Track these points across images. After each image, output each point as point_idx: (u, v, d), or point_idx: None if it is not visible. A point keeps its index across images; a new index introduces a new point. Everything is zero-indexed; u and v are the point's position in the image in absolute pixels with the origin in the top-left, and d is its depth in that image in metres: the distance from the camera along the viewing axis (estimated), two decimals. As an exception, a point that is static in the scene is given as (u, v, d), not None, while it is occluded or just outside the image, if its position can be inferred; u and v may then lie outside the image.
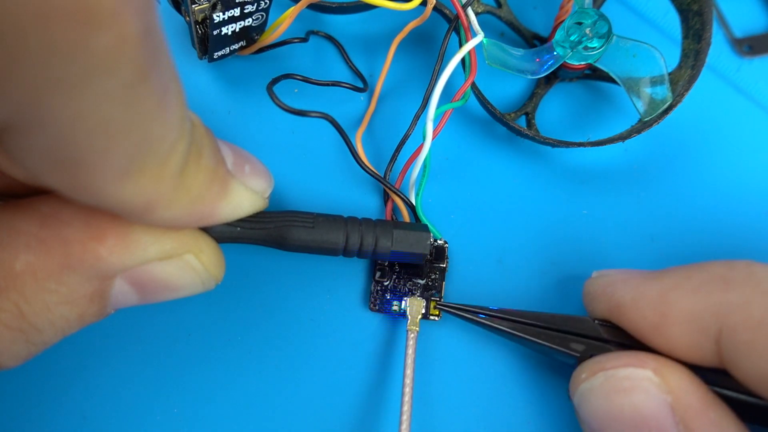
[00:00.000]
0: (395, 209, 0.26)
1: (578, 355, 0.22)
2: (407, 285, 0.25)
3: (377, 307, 0.25)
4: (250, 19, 0.25)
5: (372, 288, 0.25)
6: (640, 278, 0.21)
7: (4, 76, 0.11)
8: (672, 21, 0.29)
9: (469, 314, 0.24)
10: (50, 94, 0.11)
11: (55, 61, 0.11)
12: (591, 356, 0.21)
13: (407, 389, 0.23)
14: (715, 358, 0.19)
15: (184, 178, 0.16)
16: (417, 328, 0.24)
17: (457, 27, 0.26)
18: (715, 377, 0.19)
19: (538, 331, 0.22)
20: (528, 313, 0.23)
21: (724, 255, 0.27)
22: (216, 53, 0.25)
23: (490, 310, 0.23)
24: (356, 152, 0.25)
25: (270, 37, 0.26)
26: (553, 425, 0.25)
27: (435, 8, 0.26)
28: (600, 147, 0.26)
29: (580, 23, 0.25)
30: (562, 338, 0.22)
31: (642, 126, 0.26)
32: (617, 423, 0.19)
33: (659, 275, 0.21)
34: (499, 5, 0.29)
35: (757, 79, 0.30)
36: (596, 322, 0.22)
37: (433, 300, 0.25)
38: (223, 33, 0.24)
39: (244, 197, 0.19)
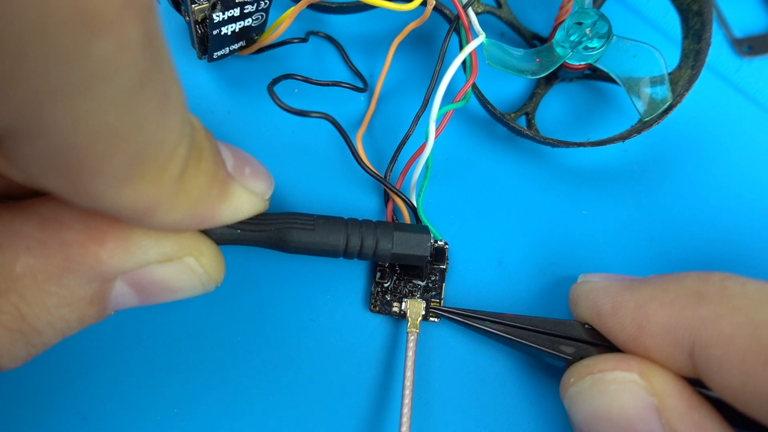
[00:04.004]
0: (396, 210, 0.26)
1: (568, 357, 0.22)
2: (407, 286, 0.25)
3: (377, 309, 0.25)
4: (249, 19, 0.24)
5: (372, 289, 0.25)
6: (620, 287, 0.21)
7: (5, 82, 0.11)
8: (672, 21, 0.29)
9: (460, 318, 0.24)
10: (51, 101, 0.11)
11: (56, 67, 0.11)
12: (580, 359, 0.22)
13: (407, 391, 0.23)
14: (690, 370, 0.19)
15: (184, 182, 0.16)
16: (417, 330, 0.24)
17: (457, 27, 0.26)
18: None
19: (528, 334, 0.23)
20: (520, 317, 0.23)
21: (723, 256, 0.27)
22: (216, 53, 0.25)
23: (483, 313, 0.24)
24: (357, 152, 0.25)
25: (270, 37, 0.26)
26: (553, 426, 0.25)
27: (435, 9, 0.26)
28: (600, 147, 0.26)
29: (580, 23, 0.25)
30: (553, 341, 0.22)
31: (642, 126, 0.26)
32: (605, 424, 0.20)
33: (638, 285, 0.21)
34: (499, 5, 0.29)
35: (757, 79, 0.30)
36: (585, 326, 0.23)
37: (434, 301, 0.25)
38: (222, 33, 0.24)
39: (245, 199, 0.19)
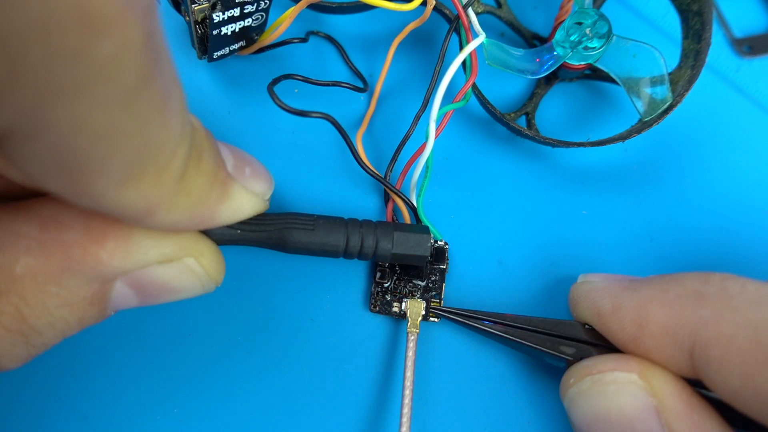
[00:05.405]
0: (396, 210, 0.26)
1: (568, 358, 0.22)
2: (407, 286, 0.25)
3: (377, 309, 0.25)
4: (249, 19, 0.24)
5: (372, 289, 0.25)
6: (620, 287, 0.21)
7: (6, 83, 0.11)
8: (672, 21, 0.29)
9: (460, 318, 0.24)
10: (52, 101, 0.11)
11: (57, 68, 0.11)
12: (580, 359, 0.22)
13: (407, 391, 0.23)
14: (690, 370, 0.19)
15: (184, 182, 0.16)
16: (417, 330, 0.24)
17: (457, 27, 0.26)
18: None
19: (528, 334, 0.23)
20: (520, 317, 0.23)
21: (723, 256, 0.27)
22: (216, 53, 0.25)
23: (483, 313, 0.24)
24: (357, 152, 0.25)
25: (270, 37, 0.26)
26: (553, 426, 0.25)
27: (435, 9, 0.26)
28: (600, 147, 0.26)
29: (580, 23, 0.25)
30: (553, 342, 0.22)
31: (642, 126, 0.26)
32: (605, 425, 0.20)
33: (638, 286, 0.21)
34: (499, 5, 0.29)
35: (757, 79, 0.30)
36: (585, 326, 0.23)
37: (434, 301, 0.25)
38: (222, 33, 0.24)
39: (245, 200, 0.19)
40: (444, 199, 0.28)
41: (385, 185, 0.26)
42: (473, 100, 0.28)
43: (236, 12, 0.23)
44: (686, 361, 0.19)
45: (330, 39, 0.29)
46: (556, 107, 0.30)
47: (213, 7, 0.23)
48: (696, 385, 0.20)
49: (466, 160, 0.28)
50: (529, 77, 0.26)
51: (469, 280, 0.26)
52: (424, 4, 0.25)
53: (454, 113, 0.29)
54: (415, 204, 0.26)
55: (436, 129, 0.24)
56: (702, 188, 0.28)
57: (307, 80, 0.26)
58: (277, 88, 0.23)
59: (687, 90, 0.26)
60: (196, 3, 0.23)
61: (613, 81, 0.27)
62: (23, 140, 0.12)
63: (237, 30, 0.24)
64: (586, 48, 0.25)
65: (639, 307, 0.20)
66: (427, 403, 0.25)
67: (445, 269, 0.26)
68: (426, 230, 0.23)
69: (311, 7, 0.27)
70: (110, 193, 0.14)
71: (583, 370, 0.21)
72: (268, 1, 0.24)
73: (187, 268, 0.18)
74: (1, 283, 0.16)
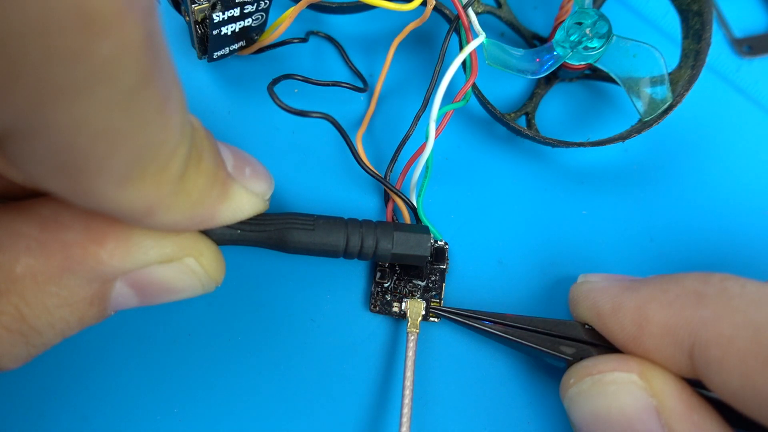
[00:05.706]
0: (396, 210, 0.26)
1: (568, 358, 0.22)
2: (407, 286, 0.25)
3: (377, 309, 0.25)
4: (249, 19, 0.24)
5: (372, 289, 0.25)
6: (619, 287, 0.21)
7: (6, 83, 0.11)
8: (672, 21, 0.29)
9: (460, 318, 0.24)
10: (52, 101, 0.11)
11: (57, 68, 0.11)
12: (580, 359, 0.22)
13: (407, 391, 0.23)
14: (690, 370, 0.19)
15: (184, 183, 0.16)
16: (417, 330, 0.24)
17: (457, 27, 0.26)
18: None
19: (528, 334, 0.23)
20: (520, 317, 0.23)
21: (723, 256, 0.27)
22: (216, 53, 0.25)
23: (483, 313, 0.24)
24: (357, 153, 0.25)
25: (270, 37, 0.26)
26: (553, 426, 0.25)
27: (435, 9, 0.26)
28: (600, 147, 0.26)
29: (580, 23, 0.25)
30: (553, 342, 0.22)
31: (642, 126, 0.26)
32: (605, 425, 0.20)
33: (638, 286, 0.21)
34: (499, 5, 0.29)
35: (757, 79, 0.30)
36: (585, 326, 0.23)
37: (434, 301, 0.25)
38: (222, 33, 0.24)
39: (245, 200, 0.19)
40: (444, 199, 0.28)
41: (385, 185, 0.26)
42: (473, 100, 0.28)
43: (236, 12, 0.23)
44: (686, 361, 0.19)
45: (330, 39, 0.29)
46: (556, 107, 0.30)
47: (213, 7, 0.23)
48: (696, 385, 0.20)
49: (466, 160, 0.28)
50: (529, 77, 0.26)
51: (469, 280, 0.26)
52: (424, 4, 0.25)
53: (454, 113, 0.29)
54: (415, 204, 0.26)
55: (436, 129, 0.24)
56: (702, 188, 0.28)
57: (307, 80, 0.26)
58: (277, 88, 0.23)
59: (687, 90, 0.26)
60: (196, 3, 0.23)
61: (613, 81, 0.27)
62: (23, 140, 0.12)
63: (237, 30, 0.24)
64: (586, 48, 0.25)
65: (639, 307, 0.20)
66: (427, 403, 0.25)
67: (445, 269, 0.26)
68: (426, 230, 0.23)
69: (311, 7, 0.27)
70: (110, 193, 0.14)
71: (583, 370, 0.21)
72: (268, 1, 0.24)
73: (187, 268, 0.18)
74: (1, 283, 0.16)
